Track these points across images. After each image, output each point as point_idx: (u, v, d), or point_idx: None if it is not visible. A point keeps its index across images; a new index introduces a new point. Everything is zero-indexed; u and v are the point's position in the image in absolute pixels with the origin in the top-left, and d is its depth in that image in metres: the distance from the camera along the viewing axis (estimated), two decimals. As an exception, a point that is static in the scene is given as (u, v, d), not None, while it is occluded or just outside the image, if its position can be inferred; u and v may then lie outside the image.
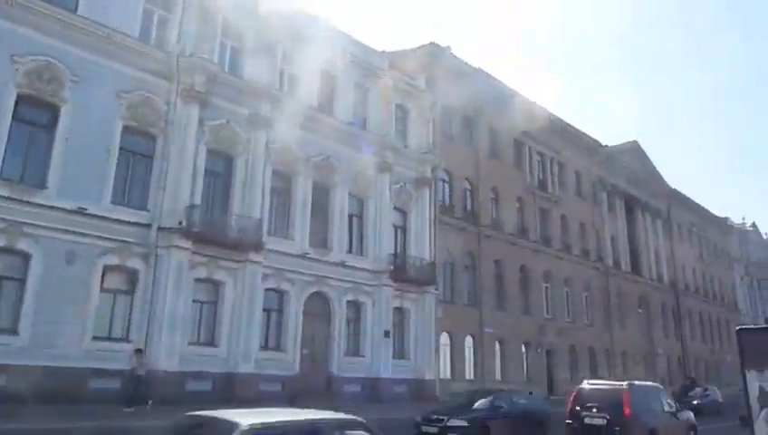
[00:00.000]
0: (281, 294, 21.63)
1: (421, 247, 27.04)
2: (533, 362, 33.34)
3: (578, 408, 13.61)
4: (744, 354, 9.44)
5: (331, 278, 23.13)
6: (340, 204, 24.21)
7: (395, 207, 26.62)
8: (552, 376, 34.30)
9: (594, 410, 13.23)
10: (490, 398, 15.69)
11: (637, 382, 14.70)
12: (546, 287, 36.12)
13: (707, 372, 50.98)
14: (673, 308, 49.91)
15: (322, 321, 22.89)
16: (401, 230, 27.01)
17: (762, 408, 9.06)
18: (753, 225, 70.03)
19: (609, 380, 18.34)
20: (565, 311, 37.25)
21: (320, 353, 22.51)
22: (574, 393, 14.06)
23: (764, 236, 71.78)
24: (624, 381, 14.77)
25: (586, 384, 14.50)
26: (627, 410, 12.89)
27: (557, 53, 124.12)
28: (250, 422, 5.79)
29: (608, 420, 12.97)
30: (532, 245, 35.26)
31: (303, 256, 22.22)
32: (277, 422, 6.31)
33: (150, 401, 16.12)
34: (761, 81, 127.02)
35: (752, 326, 12.13)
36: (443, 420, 14.08)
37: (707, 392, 29.12)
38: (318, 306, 22.78)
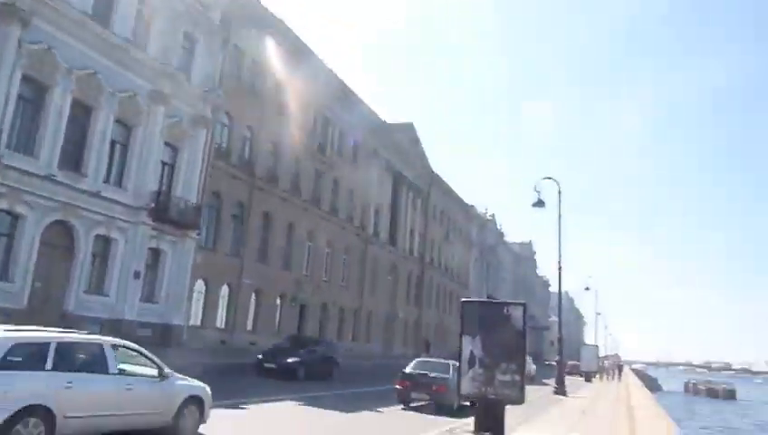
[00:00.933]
0: (15, 217, 18.93)
1: (189, 189, 25.83)
2: (286, 315, 34.30)
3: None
4: (464, 322, 10.96)
5: (81, 208, 20.90)
6: (102, 128, 21.85)
7: (166, 142, 24.93)
8: (301, 330, 35.68)
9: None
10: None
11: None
12: (309, 246, 37.25)
13: (436, 336, 57.73)
14: (417, 278, 55.26)
15: (63, 253, 20.65)
16: (169, 167, 25.44)
17: (470, 367, 10.60)
18: (492, 216, 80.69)
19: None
20: (323, 270, 38.88)
21: (56, 289, 20.31)
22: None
23: (498, 227, 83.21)
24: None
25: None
26: None
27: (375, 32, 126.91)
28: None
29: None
30: (302, 203, 35.97)
31: (49, 178, 19.66)
32: None
33: None
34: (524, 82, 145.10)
35: (473, 299, 14.12)
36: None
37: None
38: (60, 237, 20.47)
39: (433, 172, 57.67)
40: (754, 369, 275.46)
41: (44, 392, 6.89)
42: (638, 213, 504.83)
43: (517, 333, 10.52)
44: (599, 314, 57.04)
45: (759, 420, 48.36)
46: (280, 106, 33.94)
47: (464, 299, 12.61)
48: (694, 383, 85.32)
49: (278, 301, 33.89)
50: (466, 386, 10.63)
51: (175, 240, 25.18)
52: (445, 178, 60.78)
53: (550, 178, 23.51)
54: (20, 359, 6.90)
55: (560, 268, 24.81)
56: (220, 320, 29.15)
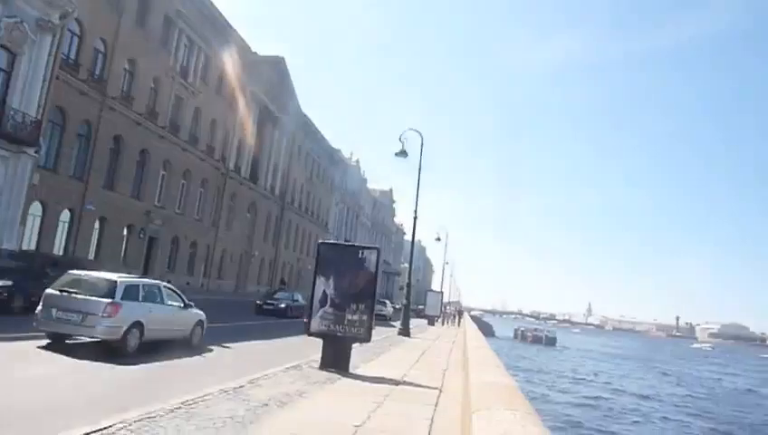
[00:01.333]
0: None
1: (28, 101, 23.18)
2: (133, 246, 32.63)
3: None
4: (319, 264, 11.18)
5: None
6: None
7: (2, 46, 22.07)
8: (149, 263, 34.21)
9: None
10: None
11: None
12: (164, 175, 35.39)
13: (291, 276, 58.12)
14: (277, 217, 54.83)
15: None
16: (5, 75, 22.61)
17: (321, 307, 10.90)
18: (357, 162, 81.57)
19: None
20: (177, 202, 37.27)
21: None
22: None
23: (362, 173, 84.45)
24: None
25: None
26: None
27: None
28: None
29: None
30: (159, 130, 33.86)
31: None
32: None
33: None
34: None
35: (329, 242, 14.45)
36: None
37: (295, 298, 30.06)
38: None
39: (301, 111, 56.74)
40: (574, 320, 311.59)
41: (141, 314, 11.21)
42: (497, 170, 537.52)
43: (369, 277, 10.94)
44: (446, 263, 60.62)
45: (572, 362, 55.08)
46: (140, 22, 31.30)
47: (321, 241, 12.81)
48: (522, 330, 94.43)
49: (125, 231, 32.07)
50: (316, 324, 10.93)
51: (8, 156, 22.67)
52: (313, 119, 60.17)
53: (414, 129, 24.12)
54: (129, 294, 11.08)
55: (415, 217, 25.86)
56: (58, 247, 27.06)
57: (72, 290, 10.81)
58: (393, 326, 29.23)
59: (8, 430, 5.81)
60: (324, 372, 10.51)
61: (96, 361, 10.00)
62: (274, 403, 7.52)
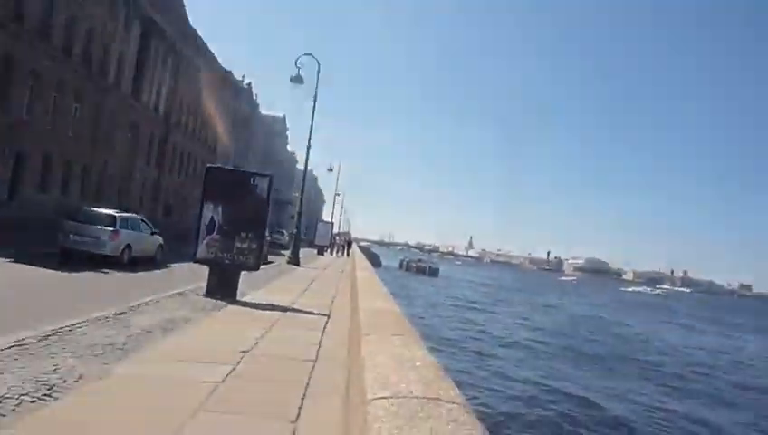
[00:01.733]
0: None
1: None
2: (-3, 163, 29.70)
3: None
4: (207, 189, 10.82)
5: None
6: None
7: None
8: (16, 183, 31.40)
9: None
10: None
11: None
12: (32, 86, 32.07)
13: (176, 201, 55.87)
14: (160, 139, 51.82)
15: None
16: None
17: (208, 234, 10.64)
18: (249, 84, 78.59)
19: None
20: (48, 117, 34.08)
21: None
22: None
23: (254, 97, 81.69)
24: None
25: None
26: None
27: None
28: None
29: None
30: (25, 35, 30.38)
31: None
32: None
33: None
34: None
35: (219, 166, 13.94)
36: None
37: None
38: None
39: (192, 28, 53.11)
40: (456, 252, 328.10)
41: (130, 239, 16.59)
42: (392, 103, 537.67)
43: (260, 204, 10.77)
44: (338, 194, 61.03)
45: (451, 291, 58.40)
46: None
47: (209, 165, 12.30)
48: (407, 261, 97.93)
49: (-13, 146, 29.04)
50: (202, 251, 10.68)
51: None
52: (203, 36, 56.62)
53: (310, 54, 23.50)
54: (123, 224, 16.45)
55: (308, 147, 25.62)
56: None
57: (84, 220, 15.91)
58: (282, 255, 29.24)
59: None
60: (210, 300, 10.39)
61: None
62: (158, 330, 7.36)
